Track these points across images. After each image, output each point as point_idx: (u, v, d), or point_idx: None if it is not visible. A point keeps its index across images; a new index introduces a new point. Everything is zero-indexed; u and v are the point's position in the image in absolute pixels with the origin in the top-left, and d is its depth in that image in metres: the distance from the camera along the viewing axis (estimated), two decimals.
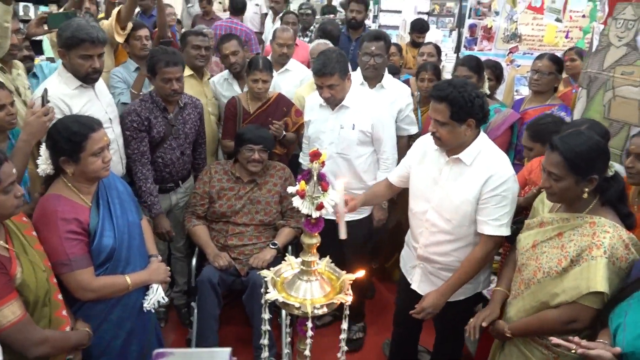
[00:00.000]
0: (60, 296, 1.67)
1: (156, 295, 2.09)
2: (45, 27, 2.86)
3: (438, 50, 4.49)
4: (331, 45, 3.43)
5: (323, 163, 1.76)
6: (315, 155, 1.73)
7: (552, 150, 1.68)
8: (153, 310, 2.12)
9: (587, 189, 1.66)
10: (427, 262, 2.29)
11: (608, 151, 1.69)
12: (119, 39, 3.24)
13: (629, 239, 1.63)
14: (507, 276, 2.02)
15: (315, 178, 1.72)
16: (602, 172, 1.67)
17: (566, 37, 4.02)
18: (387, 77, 3.09)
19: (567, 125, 2.24)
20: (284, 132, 3.18)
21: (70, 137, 1.83)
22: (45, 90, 2.14)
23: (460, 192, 2.10)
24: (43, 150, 1.89)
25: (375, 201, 2.66)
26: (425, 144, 2.27)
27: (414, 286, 2.38)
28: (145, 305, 2.07)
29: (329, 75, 2.59)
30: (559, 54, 3.62)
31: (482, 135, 2.13)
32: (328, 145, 2.76)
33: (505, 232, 2.07)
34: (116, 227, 1.95)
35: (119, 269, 1.94)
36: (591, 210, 1.71)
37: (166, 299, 2.16)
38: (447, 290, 2.18)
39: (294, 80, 3.71)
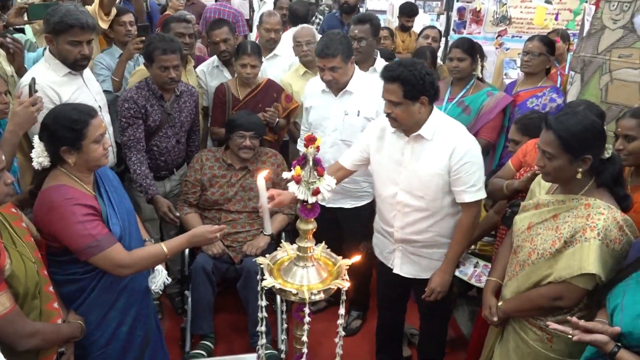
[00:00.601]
0: (51, 288, 1.64)
1: (162, 277, 2.09)
2: (25, 18, 2.78)
3: (440, 35, 4.46)
4: (314, 29, 3.39)
5: (318, 148, 1.74)
6: (310, 140, 1.70)
7: (547, 129, 1.69)
8: (160, 292, 2.11)
9: (580, 169, 1.66)
10: (406, 244, 2.31)
11: (604, 132, 1.69)
12: (103, 25, 3.17)
13: (624, 221, 1.64)
14: (500, 264, 2.03)
15: (310, 163, 1.70)
16: (598, 153, 1.67)
17: (555, 19, 4.01)
18: (380, 61, 3.06)
19: (565, 107, 2.24)
20: (277, 119, 3.15)
21: (71, 126, 1.77)
22: (33, 80, 2.09)
23: (427, 167, 2.14)
24: (37, 143, 1.80)
25: None
26: (381, 128, 2.28)
27: (396, 270, 2.39)
28: (152, 287, 2.06)
29: (331, 56, 2.54)
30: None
31: (435, 110, 2.17)
32: (332, 132, 2.73)
33: (483, 194, 2.17)
34: (119, 215, 1.93)
35: None
36: (587, 192, 1.71)
37: (169, 280, 2.16)
38: (449, 266, 2.26)
39: (282, 66, 3.67)
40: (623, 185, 1.73)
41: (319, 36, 3.41)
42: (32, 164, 1.86)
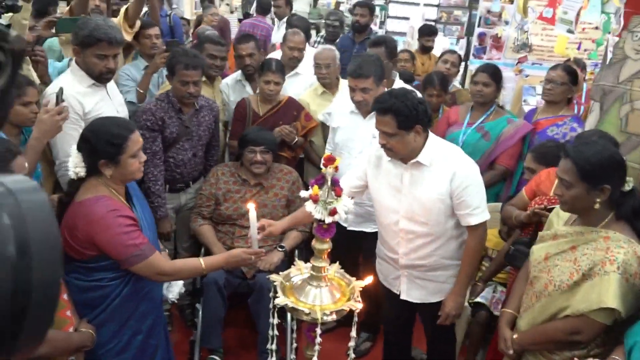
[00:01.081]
0: (65, 296, 1.65)
1: (178, 286, 2.15)
2: (53, 31, 2.86)
3: (460, 59, 4.47)
4: (336, 50, 3.41)
5: (337, 168, 1.75)
6: (329, 160, 1.71)
7: (565, 157, 1.68)
8: (174, 302, 2.18)
9: (598, 199, 1.64)
10: (412, 269, 2.30)
11: (623, 163, 1.67)
12: (128, 37, 3.24)
13: None
14: (516, 294, 2.01)
15: (329, 183, 1.71)
16: (617, 185, 1.66)
17: (578, 48, 4.01)
18: (398, 83, 3.07)
19: (577, 137, 2.23)
20: (296, 138, 3.16)
21: (112, 140, 1.82)
22: (61, 90, 2.13)
23: (428, 193, 2.14)
24: (74, 153, 1.86)
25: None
26: (376, 156, 2.28)
27: (403, 296, 2.37)
28: (170, 296, 2.12)
29: (364, 77, 2.55)
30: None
31: (431, 136, 2.18)
32: (358, 154, 2.70)
33: (487, 215, 2.17)
34: (147, 225, 2.00)
35: None
36: (606, 224, 1.69)
37: (184, 289, 2.22)
38: (461, 289, 2.25)
39: (304, 84, 3.69)
40: None
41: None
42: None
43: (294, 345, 2.45)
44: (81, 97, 2.38)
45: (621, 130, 2.35)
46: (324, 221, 1.72)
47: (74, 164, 1.86)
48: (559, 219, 1.86)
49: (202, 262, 1.98)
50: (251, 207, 1.86)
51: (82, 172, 1.86)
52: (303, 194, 1.76)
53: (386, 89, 2.79)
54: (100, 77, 2.42)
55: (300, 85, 3.66)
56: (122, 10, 3.15)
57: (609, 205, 1.68)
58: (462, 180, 2.09)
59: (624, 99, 2.36)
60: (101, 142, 1.82)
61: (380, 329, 3.19)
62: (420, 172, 2.14)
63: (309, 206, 1.73)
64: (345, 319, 1.92)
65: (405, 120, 2.01)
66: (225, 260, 2.06)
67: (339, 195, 1.72)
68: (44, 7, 3.14)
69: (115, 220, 1.81)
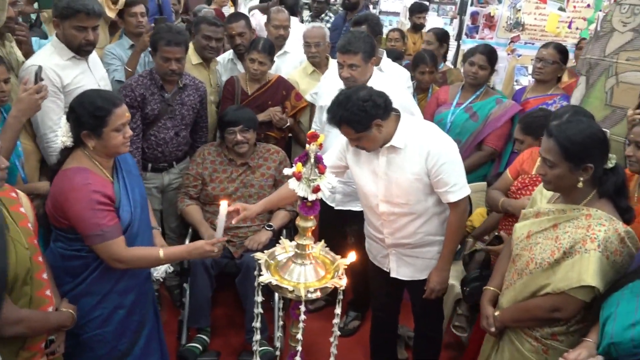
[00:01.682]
0: (45, 275, 1.63)
1: (164, 265, 2.11)
2: (36, 6, 2.81)
3: (444, 36, 4.44)
4: (325, 28, 3.37)
5: (321, 145, 1.73)
6: (313, 137, 1.70)
7: (548, 137, 1.67)
8: (161, 280, 2.14)
9: (582, 178, 1.64)
10: (399, 247, 2.31)
11: (606, 141, 1.66)
12: (111, 14, 3.19)
13: (625, 233, 1.61)
14: (499, 272, 2.01)
15: (312, 160, 1.69)
16: (600, 163, 1.65)
17: (569, 26, 3.98)
18: (386, 61, 3.03)
19: (554, 114, 2.22)
20: (287, 122, 3.13)
21: (94, 112, 1.82)
22: (40, 68, 2.12)
23: (405, 175, 2.13)
24: (63, 122, 1.88)
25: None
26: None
27: (393, 274, 2.38)
28: (155, 274, 2.10)
29: (353, 53, 2.51)
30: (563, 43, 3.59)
31: (404, 118, 2.16)
32: None
33: (467, 190, 2.16)
34: (131, 201, 1.97)
35: (129, 241, 1.93)
36: (588, 202, 1.68)
37: (172, 269, 2.19)
38: (445, 264, 2.26)
39: (293, 63, 3.65)
40: (626, 197, 1.69)
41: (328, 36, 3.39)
42: (45, 145, 1.99)
43: (281, 323, 2.46)
44: (60, 70, 2.36)
45: (606, 103, 2.34)
46: (307, 199, 1.71)
47: (61, 133, 1.88)
48: (542, 196, 1.86)
49: (161, 253, 1.93)
50: (223, 203, 1.85)
51: (68, 141, 1.88)
52: (286, 171, 1.74)
53: (374, 67, 2.78)
54: (80, 50, 2.40)
55: (290, 64, 3.62)
56: None
57: (592, 183, 1.67)
58: (438, 158, 2.08)
59: (610, 72, 2.35)
60: (84, 113, 1.82)
61: (369, 307, 3.22)
62: (397, 155, 2.14)
63: (292, 183, 1.72)
64: (333, 298, 1.93)
65: (359, 124, 2.02)
66: (187, 251, 2.03)
67: (322, 172, 1.70)
68: None
69: (87, 195, 1.80)
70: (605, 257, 1.59)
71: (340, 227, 2.95)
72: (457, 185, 2.12)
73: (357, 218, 2.85)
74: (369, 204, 2.28)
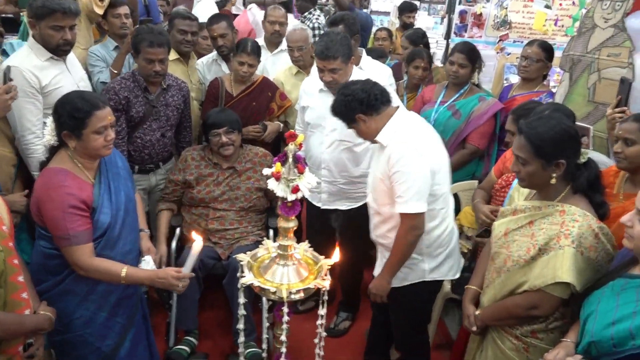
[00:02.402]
0: (20, 278, 1.61)
1: (149, 267, 2.09)
2: (14, 8, 2.79)
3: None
4: (308, 30, 3.35)
5: (300, 145, 1.73)
6: (292, 137, 1.69)
7: (519, 134, 1.67)
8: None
9: (554, 174, 1.64)
10: (380, 246, 2.32)
11: (577, 136, 1.67)
12: (99, 11, 3.17)
13: (599, 229, 1.61)
14: (480, 272, 2.01)
15: (290, 160, 1.69)
16: (572, 158, 1.65)
17: (555, 24, 3.98)
18: (365, 59, 3.00)
19: (534, 112, 2.21)
20: (266, 128, 3.15)
21: (74, 113, 1.82)
22: (8, 68, 2.11)
23: (375, 172, 2.20)
24: (49, 121, 1.88)
25: None
26: None
27: (374, 272, 2.37)
28: None
29: (332, 58, 2.50)
30: (550, 41, 3.59)
31: (398, 116, 2.15)
32: (330, 132, 2.69)
33: (413, 208, 2.04)
34: (114, 204, 1.96)
35: (109, 244, 1.93)
36: (563, 198, 1.69)
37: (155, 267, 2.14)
38: (385, 274, 2.20)
39: (289, 60, 3.63)
40: (601, 192, 1.70)
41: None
42: (24, 146, 2.01)
43: (267, 324, 2.44)
44: (38, 70, 2.35)
45: (589, 100, 2.35)
46: (287, 199, 1.71)
47: (47, 132, 1.89)
48: (519, 194, 1.86)
49: (124, 271, 1.88)
50: (198, 241, 1.81)
51: (52, 140, 1.89)
52: (265, 171, 1.74)
53: (354, 66, 2.78)
54: (58, 50, 2.39)
55: (285, 61, 3.56)
56: None
57: (566, 178, 1.68)
58: (393, 164, 2.06)
59: (592, 68, 2.36)
60: (64, 113, 1.83)
61: (359, 308, 3.21)
62: (380, 151, 2.16)
63: (272, 183, 1.71)
64: (326, 299, 1.92)
65: (343, 116, 2.16)
66: (150, 278, 1.95)
67: (301, 172, 1.70)
68: None
69: (61, 197, 1.80)
70: (580, 252, 1.59)
71: (328, 228, 2.94)
72: (402, 198, 2.05)
73: (344, 215, 2.86)
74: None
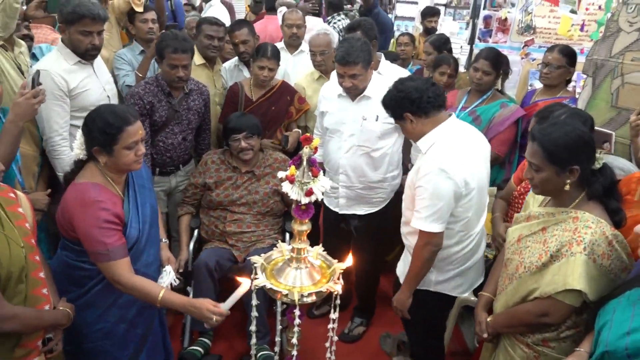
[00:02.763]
0: (41, 274, 1.65)
1: (170, 277, 2.10)
2: (43, 12, 2.87)
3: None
4: (332, 33, 3.36)
5: (316, 149, 1.73)
6: (307, 140, 1.70)
7: (532, 141, 1.65)
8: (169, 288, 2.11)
9: (568, 181, 1.61)
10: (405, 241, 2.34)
11: (591, 142, 1.63)
12: (139, 9, 3.24)
13: (613, 236, 1.57)
14: (493, 278, 1.98)
15: (305, 163, 1.69)
16: (587, 164, 1.62)
17: (581, 29, 3.90)
18: (384, 64, 2.99)
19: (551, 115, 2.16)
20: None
21: (105, 129, 1.80)
22: (37, 72, 2.16)
23: (411, 174, 2.18)
24: (79, 134, 1.88)
25: None
26: None
27: (398, 270, 2.41)
28: (160, 283, 2.07)
29: (353, 64, 2.50)
30: (576, 47, 3.51)
31: (446, 125, 2.09)
32: (348, 137, 2.70)
33: (428, 227, 2.01)
34: (140, 217, 1.96)
35: (134, 257, 1.92)
36: (577, 204, 1.65)
37: (177, 282, 2.16)
38: (405, 288, 2.21)
39: (309, 62, 3.64)
40: (617, 199, 1.65)
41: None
42: (51, 147, 2.04)
43: (279, 327, 2.45)
44: (66, 74, 2.41)
45: (612, 105, 2.29)
46: (301, 202, 1.71)
47: (76, 146, 1.89)
48: (534, 200, 1.83)
49: (160, 295, 1.84)
50: (246, 283, 1.77)
51: (81, 154, 1.89)
52: (280, 174, 1.74)
53: (375, 71, 2.77)
54: (86, 54, 2.45)
55: (306, 62, 3.58)
56: None
57: (581, 185, 1.64)
58: (420, 178, 2.04)
59: (615, 73, 2.30)
60: (95, 129, 1.82)
61: (374, 313, 3.19)
62: (420, 156, 2.16)
63: (286, 186, 1.72)
64: (343, 303, 1.91)
65: (391, 111, 2.14)
66: (184, 306, 1.87)
67: (315, 175, 1.71)
68: None
69: (96, 212, 1.79)
70: (592, 260, 1.55)
71: (344, 232, 2.93)
72: (421, 215, 2.02)
73: (361, 220, 2.84)
74: None
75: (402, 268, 2.33)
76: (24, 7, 2.93)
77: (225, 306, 1.84)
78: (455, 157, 2.02)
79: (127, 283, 1.83)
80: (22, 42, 2.74)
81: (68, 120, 2.45)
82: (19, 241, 1.55)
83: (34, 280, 1.60)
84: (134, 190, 1.99)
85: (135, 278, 1.85)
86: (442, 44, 4.05)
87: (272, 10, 4.88)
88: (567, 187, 1.62)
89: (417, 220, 2.05)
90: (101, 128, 1.81)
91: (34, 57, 2.77)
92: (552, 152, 1.59)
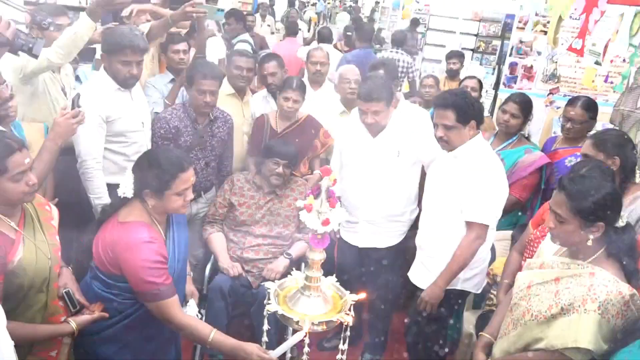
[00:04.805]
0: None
1: (192, 311, 2.12)
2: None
3: (480, 85, 4.56)
4: (357, 70, 3.49)
5: (334, 181, 1.79)
6: (326, 172, 1.76)
7: (559, 190, 1.63)
8: None
9: (591, 236, 1.59)
10: (422, 250, 2.58)
11: (619, 199, 1.62)
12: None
13: (630, 296, 1.54)
14: (496, 320, 1.97)
15: (323, 194, 1.74)
16: (612, 221, 1.60)
17: (605, 80, 3.94)
18: (404, 102, 3.03)
19: (572, 167, 2.18)
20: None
21: (160, 174, 1.84)
22: (77, 95, 2.25)
23: (449, 181, 2.38)
24: (128, 172, 1.92)
25: None
26: None
27: (415, 277, 2.60)
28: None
29: (375, 100, 2.59)
30: (599, 97, 3.54)
31: (480, 138, 2.37)
32: (369, 172, 2.75)
33: (487, 220, 2.30)
34: (176, 256, 2.00)
35: None
36: (595, 260, 1.62)
37: (200, 315, 2.16)
38: (442, 280, 2.37)
39: (332, 98, 3.73)
40: (635, 259, 1.62)
41: None
42: (84, 170, 2.11)
43: (289, 355, 2.46)
44: (105, 100, 2.52)
45: (638, 155, 2.30)
46: (317, 231, 1.76)
47: (124, 184, 1.90)
48: (548, 248, 1.82)
49: (212, 335, 1.84)
50: (300, 334, 1.74)
51: (129, 193, 1.90)
52: (299, 203, 1.80)
53: (394, 110, 2.85)
54: (125, 82, 2.56)
55: (328, 99, 3.70)
56: (146, 28, 3.17)
57: (601, 240, 1.62)
58: (483, 176, 2.25)
59: None
60: (150, 173, 1.85)
61: (385, 349, 3.16)
62: (455, 161, 2.33)
63: (303, 215, 1.77)
64: (351, 339, 1.93)
65: (465, 114, 2.27)
66: (234, 348, 1.85)
67: (332, 206, 1.75)
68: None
69: (146, 253, 1.81)
70: (606, 320, 1.53)
71: (360, 266, 2.95)
72: (483, 209, 2.27)
73: (379, 254, 2.86)
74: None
75: (421, 272, 2.51)
76: None
77: (275, 353, 1.83)
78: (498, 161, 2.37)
79: (179, 322, 1.83)
80: (69, 65, 2.90)
81: (102, 144, 2.55)
82: (47, 252, 1.62)
83: (55, 291, 1.66)
84: (173, 229, 2.02)
85: (186, 317, 1.87)
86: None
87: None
88: (589, 242, 1.59)
89: (478, 214, 2.28)
90: (157, 173, 1.84)
91: (78, 79, 2.93)
92: (580, 205, 1.57)
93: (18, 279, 1.58)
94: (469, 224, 2.31)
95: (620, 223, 1.61)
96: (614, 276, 1.57)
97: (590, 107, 2.99)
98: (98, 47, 3.54)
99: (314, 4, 17.24)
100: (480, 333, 2.01)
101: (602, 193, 1.58)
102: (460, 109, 2.25)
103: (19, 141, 1.60)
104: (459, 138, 2.30)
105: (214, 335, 1.84)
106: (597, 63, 3.44)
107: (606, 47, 3.34)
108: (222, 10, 2.98)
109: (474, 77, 4.60)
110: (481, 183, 2.26)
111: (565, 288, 1.63)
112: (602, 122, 3.76)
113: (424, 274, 2.49)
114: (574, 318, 1.56)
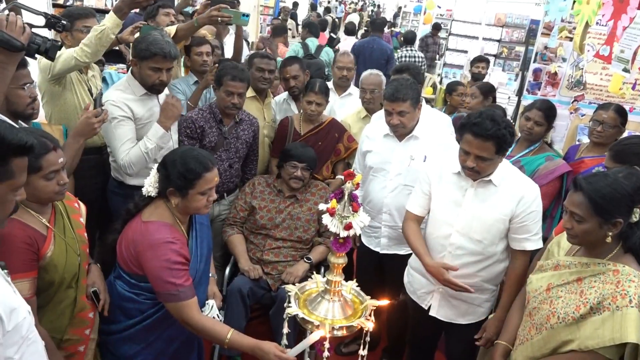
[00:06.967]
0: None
1: (212, 312, 2.13)
2: (137, 36, 3.06)
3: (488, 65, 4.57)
4: (383, 76, 3.47)
5: (357, 185, 1.78)
6: (350, 176, 1.75)
7: (576, 190, 1.64)
8: None
9: (610, 233, 1.60)
10: (455, 286, 2.27)
11: (634, 195, 1.61)
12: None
13: None
14: (511, 326, 1.94)
15: (346, 197, 1.74)
16: (627, 217, 1.60)
17: (633, 88, 3.85)
18: (425, 107, 3.01)
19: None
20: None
21: (185, 174, 1.86)
22: (100, 93, 2.27)
23: (492, 212, 2.16)
24: (153, 172, 1.95)
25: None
26: (440, 168, 2.32)
27: (432, 312, 2.36)
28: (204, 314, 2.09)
29: (401, 101, 2.57)
30: (626, 105, 3.47)
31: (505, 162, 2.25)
32: (394, 177, 2.74)
33: (539, 244, 2.18)
34: (199, 257, 2.02)
35: None
36: (613, 257, 1.63)
37: (220, 317, 2.17)
38: (503, 313, 2.18)
39: (356, 103, 3.73)
40: None
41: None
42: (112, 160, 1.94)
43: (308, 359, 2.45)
44: (131, 103, 2.53)
45: None
46: (339, 235, 1.75)
47: (148, 183, 1.94)
48: (559, 248, 1.80)
49: (229, 335, 1.84)
50: (318, 333, 1.73)
51: (153, 192, 1.94)
52: (321, 206, 1.80)
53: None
54: (153, 88, 2.56)
55: (353, 104, 3.70)
56: (172, 30, 3.20)
57: (617, 237, 1.63)
58: (529, 205, 2.13)
59: None
60: (175, 172, 1.87)
61: (403, 354, 3.13)
62: (486, 190, 2.18)
63: (326, 219, 1.77)
64: (370, 345, 1.92)
65: (506, 145, 2.08)
66: (252, 348, 1.84)
67: (355, 210, 1.75)
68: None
69: (167, 253, 1.82)
70: None
71: (380, 272, 2.94)
72: (537, 236, 2.17)
73: (401, 261, 2.84)
74: (438, 232, 2.29)
75: (452, 314, 2.36)
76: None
77: (293, 352, 1.83)
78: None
79: (196, 324, 1.84)
80: (96, 65, 2.95)
81: (134, 140, 2.54)
82: (77, 249, 1.66)
83: (83, 287, 1.70)
84: (195, 230, 2.03)
85: (204, 319, 1.88)
86: (488, 91, 4.12)
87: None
88: (608, 240, 1.60)
89: (536, 241, 2.17)
90: (182, 173, 1.86)
91: (104, 81, 2.97)
92: (598, 203, 1.58)
93: (49, 274, 1.61)
94: (523, 252, 2.18)
95: (634, 218, 1.61)
96: (638, 271, 1.58)
97: (622, 112, 2.98)
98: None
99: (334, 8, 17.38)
100: (496, 341, 1.98)
101: (617, 189, 1.59)
102: (503, 141, 2.04)
103: (54, 140, 1.63)
104: (492, 168, 2.14)
105: (231, 335, 1.85)
106: (625, 70, 3.36)
107: (635, 54, 3.26)
108: (248, 15, 2.99)
109: (484, 58, 4.62)
110: (534, 211, 2.14)
111: (590, 287, 1.62)
112: (629, 130, 3.68)
113: (450, 310, 2.34)
114: (606, 316, 1.55)
